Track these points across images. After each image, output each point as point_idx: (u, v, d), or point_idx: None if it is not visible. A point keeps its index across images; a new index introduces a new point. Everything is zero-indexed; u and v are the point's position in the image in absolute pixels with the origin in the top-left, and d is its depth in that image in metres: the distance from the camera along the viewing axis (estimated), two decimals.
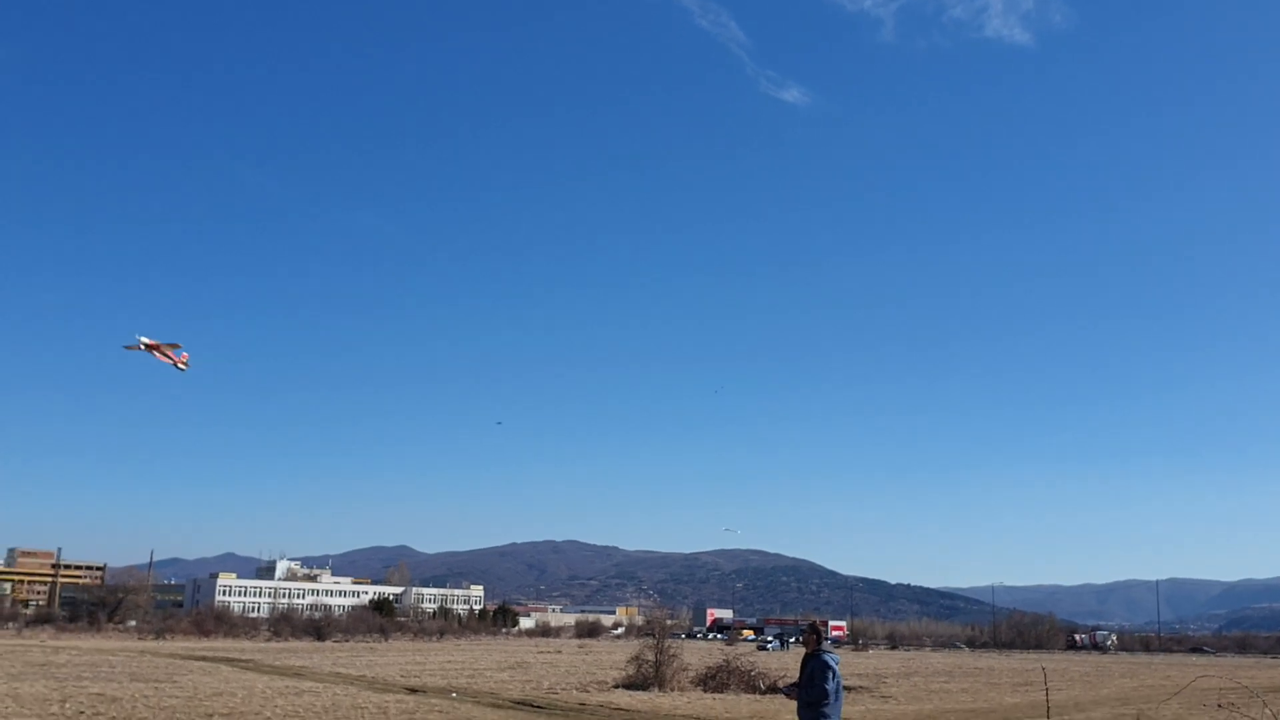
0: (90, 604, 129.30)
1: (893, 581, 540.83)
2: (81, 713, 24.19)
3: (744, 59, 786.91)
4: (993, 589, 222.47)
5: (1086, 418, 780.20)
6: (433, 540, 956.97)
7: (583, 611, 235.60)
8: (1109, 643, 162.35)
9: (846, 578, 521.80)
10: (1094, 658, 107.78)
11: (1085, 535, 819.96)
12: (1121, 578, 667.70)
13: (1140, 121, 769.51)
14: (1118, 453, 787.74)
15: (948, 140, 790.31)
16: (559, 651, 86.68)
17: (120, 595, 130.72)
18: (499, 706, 29.30)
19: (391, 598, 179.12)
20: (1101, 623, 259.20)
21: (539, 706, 29.69)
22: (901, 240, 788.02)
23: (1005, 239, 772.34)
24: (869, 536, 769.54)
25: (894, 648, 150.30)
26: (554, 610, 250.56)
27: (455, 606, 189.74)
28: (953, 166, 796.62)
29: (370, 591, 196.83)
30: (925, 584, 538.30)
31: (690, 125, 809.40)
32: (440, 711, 27.10)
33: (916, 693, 41.10)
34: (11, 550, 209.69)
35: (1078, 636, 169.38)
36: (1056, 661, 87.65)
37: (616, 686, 37.90)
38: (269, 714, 25.20)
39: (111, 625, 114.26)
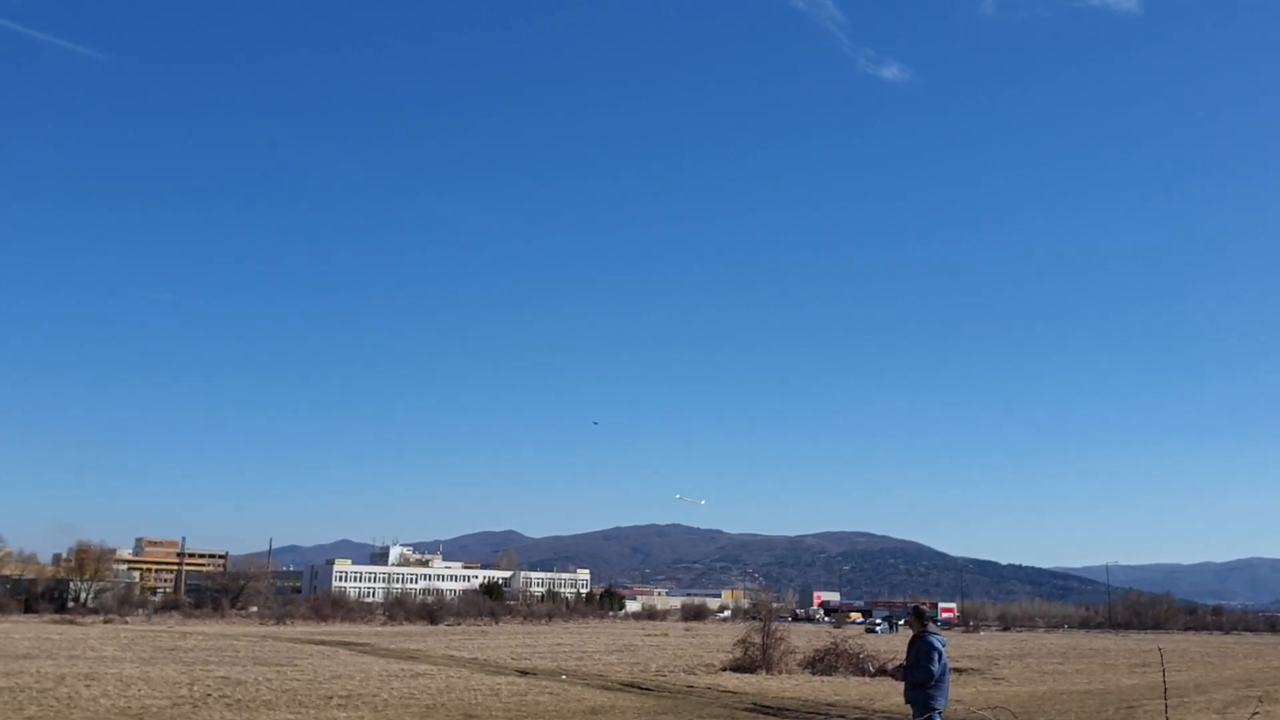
0: (214, 591, 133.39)
1: (1004, 562, 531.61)
2: (209, 695, 25.08)
3: (841, 38, 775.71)
4: (1107, 569, 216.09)
5: (1205, 393, 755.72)
6: (539, 525, 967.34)
7: (688, 595, 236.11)
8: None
9: (956, 559, 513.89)
10: (1216, 639, 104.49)
11: (1205, 512, 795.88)
12: (1244, 555, 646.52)
13: (1257, 96, 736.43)
14: (1237, 427, 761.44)
15: (1053, 115, 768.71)
16: (665, 634, 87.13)
17: (242, 582, 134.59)
18: (608, 688, 29.67)
19: (500, 582, 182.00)
20: (1224, 602, 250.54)
21: (647, 689, 29.98)
22: (1007, 219, 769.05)
23: (1117, 215, 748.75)
24: (979, 517, 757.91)
25: (1006, 629, 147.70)
26: (659, 593, 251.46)
27: (562, 590, 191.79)
28: (1061, 143, 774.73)
29: (480, 576, 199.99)
30: (1037, 564, 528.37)
31: (789, 107, 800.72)
32: (551, 693, 27.56)
33: (1029, 674, 40.46)
34: (139, 540, 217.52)
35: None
36: (1176, 642, 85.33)
37: (724, 669, 38.02)
38: (386, 696, 25.90)
39: (234, 611, 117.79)
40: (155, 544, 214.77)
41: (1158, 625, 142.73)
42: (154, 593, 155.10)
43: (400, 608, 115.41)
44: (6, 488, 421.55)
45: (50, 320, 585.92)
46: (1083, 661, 50.82)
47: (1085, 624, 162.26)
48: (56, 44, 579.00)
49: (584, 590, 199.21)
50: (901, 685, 13.83)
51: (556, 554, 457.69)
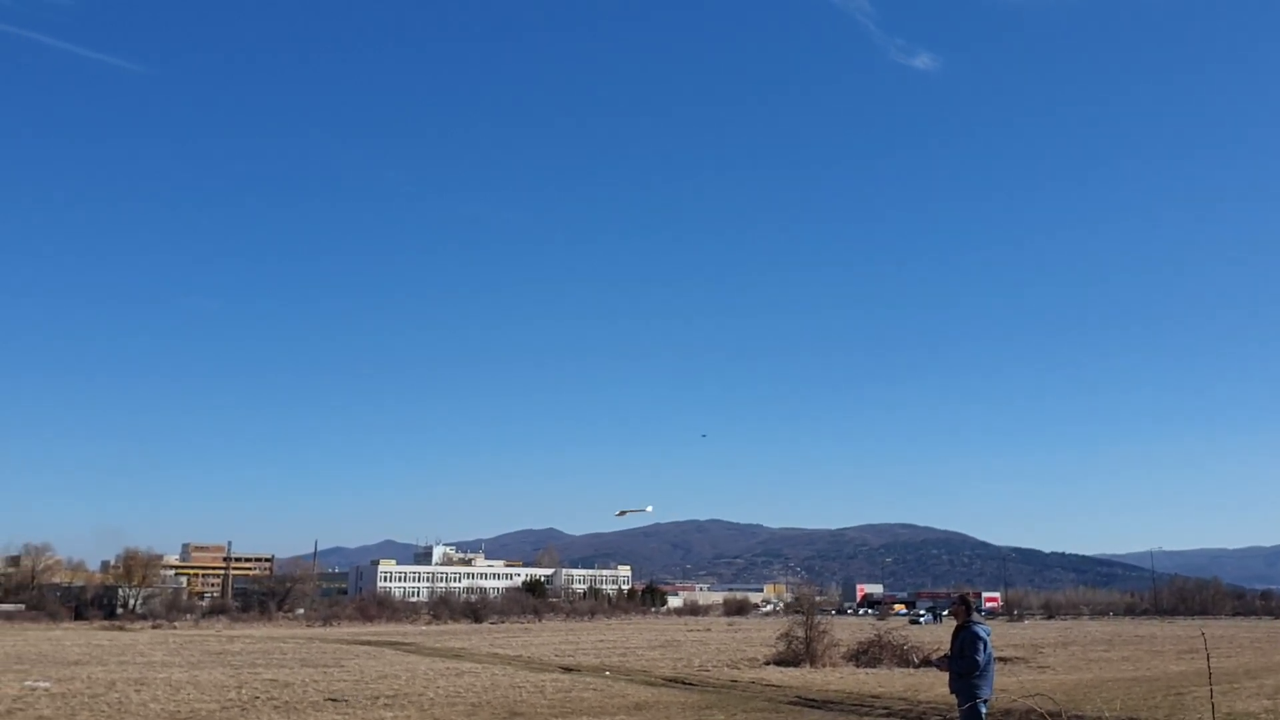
0: (260, 594, 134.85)
1: (1047, 550, 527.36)
2: (257, 698, 25.34)
3: (871, 28, 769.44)
4: (1152, 554, 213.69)
5: (1246, 375, 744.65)
6: (579, 522, 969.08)
7: (730, 590, 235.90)
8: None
9: (999, 548, 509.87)
10: (1266, 624, 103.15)
11: (1251, 495, 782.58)
12: None
13: None
14: None
15: (1086, 101, 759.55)
16: (708, 629, 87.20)
17: (288, 585, 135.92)
18: (652, 684, 29.73)
19: (542, 579, 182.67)
20: (1272, 586, 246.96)
21: (691, 684, 30.00)
22: (1041, 209, 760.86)
23: (1154, 206, 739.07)
24: (1022, 506, 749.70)
25: (1050, 617, 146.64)
26: (701, 589, 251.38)
27: (604, 587, 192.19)
28: (1096, 127, 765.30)
29: (522, 574, 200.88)
30: (1081, 551, 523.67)
31: (820, 99, 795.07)
32: (595, 690, 27.66)
33: (1075, 662, 40.19)
34: (186, 546, 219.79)
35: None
36: (1224, 628, 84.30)
37: (767, 663, 38.00)
38: (432, 695, 26.09)
39: (281, 614, 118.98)
40: (202, 549, 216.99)
41: (1204, 611, 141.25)
42: (201, 597, 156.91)
43: (444, 607, 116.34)
44: (55, 496, 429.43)
45: (94, 327, 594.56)
46: (1128, 648, 50.37)
47: (1130, 611, 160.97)
48: (95, 58, 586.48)
49: (625, 587, 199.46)
50: (946, 676, 13.80)
51: (597, 551, 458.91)
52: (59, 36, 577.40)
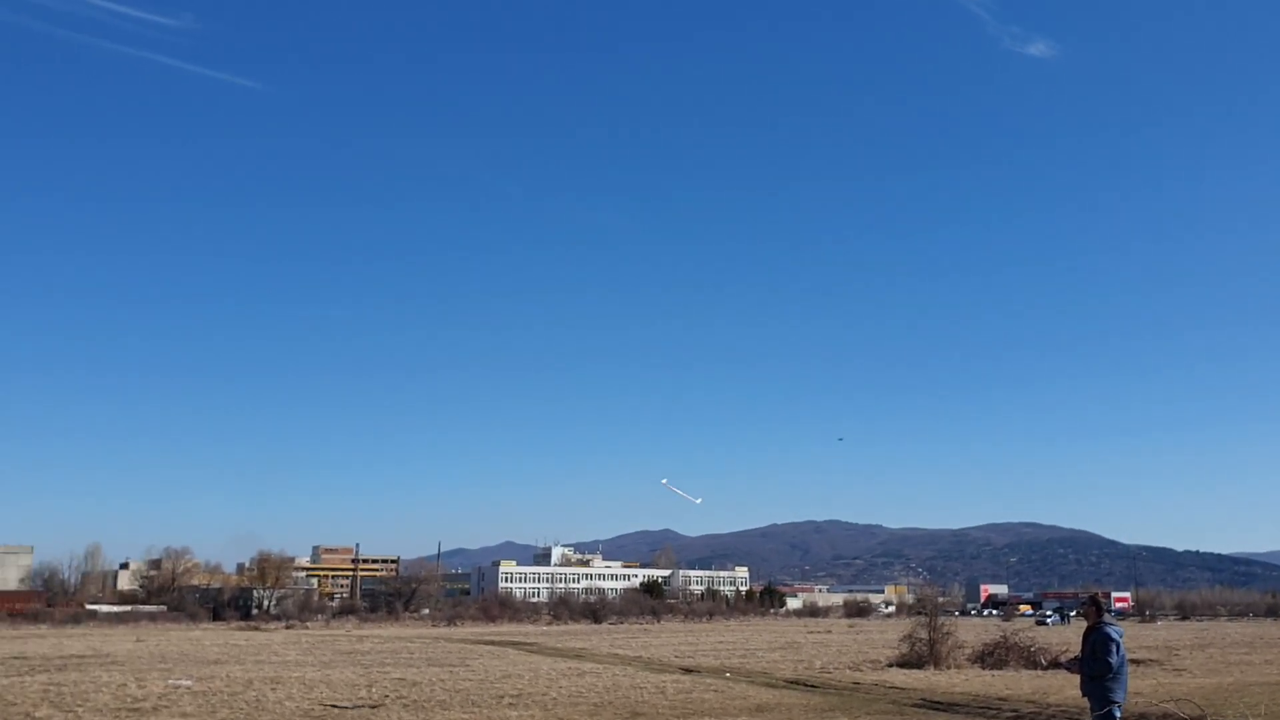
0: (387, 595, 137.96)
1: (1179, 549, 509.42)
2: (387, 696, 26.01)
3: (984, 17, 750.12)
4: None
5: None
6: (695, 523, 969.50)
7: (850, 591, 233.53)
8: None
9: (1128, 547, 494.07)
10: None
11: None
12: None
13: None
14: None
15: (1218, 85, 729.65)
16: (829, 631, 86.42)
17: (413, 585, 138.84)
18: (773, 686, 29.63)
19: (660, 580, 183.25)
20: None
21: (813, 686, 29.81)
22: (1169, 200, 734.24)
23: None
24: (1152, 502, 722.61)
25: (1184, 618, 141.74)
26: (821, 590, 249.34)
27: (721, 588, 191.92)
28: (1232, 112, 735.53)
29: (640, 575, 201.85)
30: (1216, 550, 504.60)
31: (930, 91, 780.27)
32: (716, 691, 27.69)
33: (1213, 665, 38.77)
34: (316, 548, 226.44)
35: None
36: None
37: (890, 665, 37.54)
38: (555, 694, 26.44)
39: (407, 614, 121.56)
40: (331, 551, 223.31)
41: None
42: (331, 598, 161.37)
43: (564, 607, 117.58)
44: (193, 502, 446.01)
45: (231, 336, 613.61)
46: (1272, 651, 48.37)
47: (1272, 612, 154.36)
48: (220, 78, 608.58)
49: (743, 588, 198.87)
50: (1077, 678, 13.54)
51: (714, 552, 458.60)
52: (183, 58, 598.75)
